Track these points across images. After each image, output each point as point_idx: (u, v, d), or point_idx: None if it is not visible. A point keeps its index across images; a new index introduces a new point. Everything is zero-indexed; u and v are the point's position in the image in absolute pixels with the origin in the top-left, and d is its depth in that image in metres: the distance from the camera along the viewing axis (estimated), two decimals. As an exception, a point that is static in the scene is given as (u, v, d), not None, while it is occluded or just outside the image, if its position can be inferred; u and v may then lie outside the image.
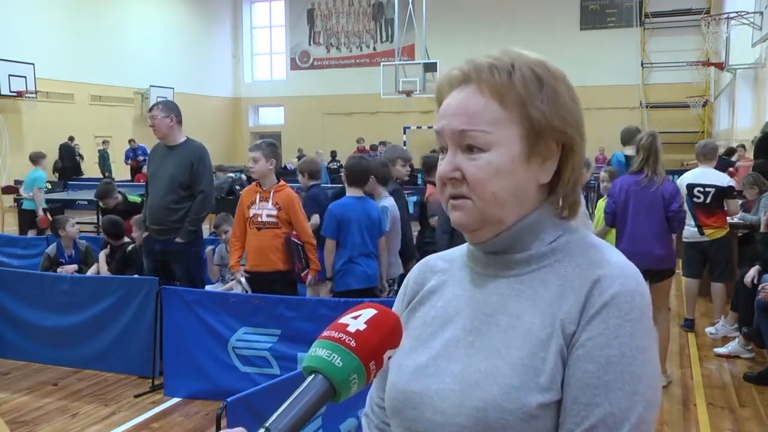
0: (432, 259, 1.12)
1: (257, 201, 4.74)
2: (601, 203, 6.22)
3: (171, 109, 5.09)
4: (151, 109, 5.14)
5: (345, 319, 0.82)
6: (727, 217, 6.22)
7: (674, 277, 4.89)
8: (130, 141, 19.25)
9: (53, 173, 18.10)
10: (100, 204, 7.70)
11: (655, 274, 4.47)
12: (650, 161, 4.55)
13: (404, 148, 5.80)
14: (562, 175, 0.97)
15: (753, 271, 5.25)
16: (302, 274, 4.77)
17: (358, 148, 18.91)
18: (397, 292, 5.22)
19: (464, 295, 1.01)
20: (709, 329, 6.02)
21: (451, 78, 0.99)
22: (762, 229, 5.49)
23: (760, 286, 4.90)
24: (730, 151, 11.32)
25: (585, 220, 4.49)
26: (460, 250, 1.08)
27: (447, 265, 1.08)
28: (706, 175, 5.95)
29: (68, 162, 18.21)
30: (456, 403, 0.91)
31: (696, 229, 5.94)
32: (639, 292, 0.90)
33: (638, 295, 0.89)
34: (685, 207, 5.96)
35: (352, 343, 0.78)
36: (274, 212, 4.69)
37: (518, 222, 0.96)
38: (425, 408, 0.94)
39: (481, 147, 0.93)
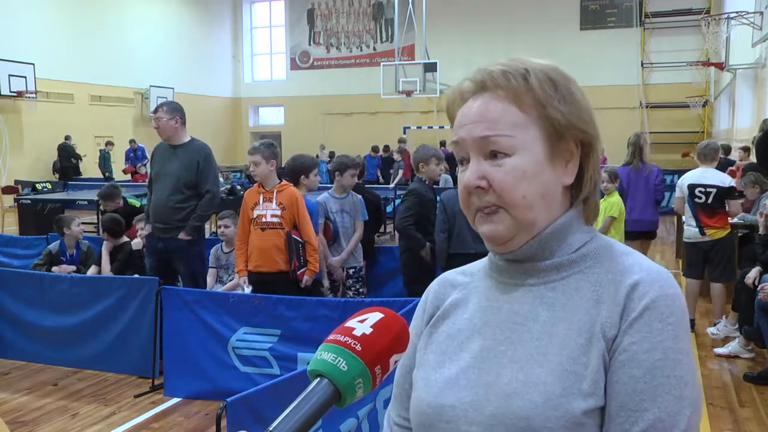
0: (451, 274, 1.10)
1: (261, 202, 4.74)
2: (601, 203, 6.22)
3: (176, 110, 5.11)
4: (155, 111, 5.15)
5: (351, 323, 0.81)
6: (730, 218, 6.22)
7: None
8: (131, 141, 19.24)
9: (53, 173, 18.12)
10: (101, 206, 7.71)
11: (647, 234, 6.54)
12: (636, 153, 6.38)
13: (434, 146, 5.62)
14: (584, 175, 0.97)
15: (754, 272, 5.25)
16: (298, 273, 4.76)
17: (397, 150, 17.34)
18: (358, 280, 5.33)
19: (491, 306, 0.99)
20: (711, 329, 6.02)
21: (462, 90, 0.98)
22: (761, 230, 5.49)
23: (759, 286, 4.90)
24: (728, 150, 11.34)
25: None
26: (480, 264, 1.06)
27: (467, 278, 1.06)
28: (707, 175, 5.95)
29: (66, 162, 18.21)
30: (494, 413, 0.89)
31: (697, 230, 5.94)
32: (678, 295, 0.89)
33: (677, 299, 0.89)
34: (687, 207, 5.99)
35: (358, 347, 0.77)
36: (279, 212, 4.69)
37: (548, 227, 0.95)
38: (460, 421, 0.92)
39: (506, 151, 0.92)
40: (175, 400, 4.63)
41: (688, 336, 0.89)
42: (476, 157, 0.94)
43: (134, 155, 18.70)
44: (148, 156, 17.89)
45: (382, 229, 12.62)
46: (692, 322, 6.15)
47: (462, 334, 1.00)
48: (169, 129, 5.07)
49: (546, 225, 0.95)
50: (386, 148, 18.20)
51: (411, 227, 5.07)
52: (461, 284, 1.06)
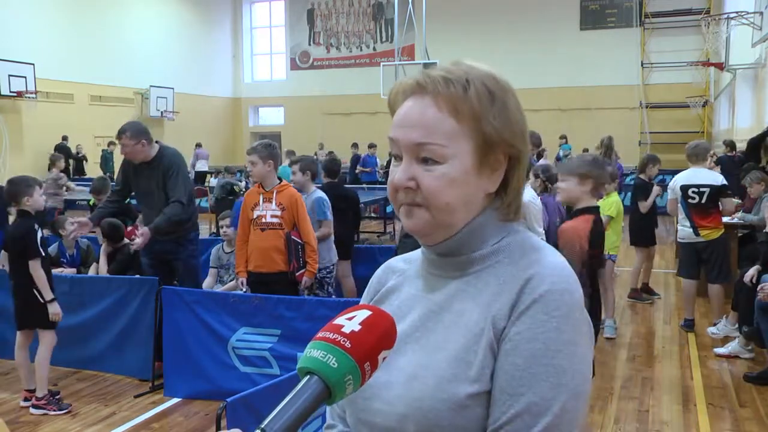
0: (394, 261, 1.19)
1: (261, 202, 4.74)
2: (600, 203, 6.23)
3: (139, 132, 4.98)
4: (119, 137, 5.02)
5: (340, 320, 0.82)
6: (725, 217, 6.24)
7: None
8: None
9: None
10: (93, 200, 7.80)
11: None
12: (607, 153, 8.08)
13: None
14: (508, 184, 1.03)
15: (752, 271, 5.25)
16: (297, 274, 4.77)
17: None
18: (323, 281, 5.23)
19: (417, 295, 1.07)
20: (711, 329, 6.03)
21: (404, 87, 1.03)
22: (767, 229, 5.48)
23: (759, 286, 4.89)
24: (732, 145, 11.34)
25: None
26: (419, 253, 1.12)
27: (406, 266, 1.14)
28: (699, 175, 5.98)
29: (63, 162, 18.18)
30: (399, 394, 0.97)
31: (691, 230, 5.95)
32: (568, 291, 0.94)
33: (567, 294, 0.94)
34: (680, 207, 6.01)
35: (347, 344, 0.78)
36: (278, 213, 4.69)
37: (466, 226, 1.01)
38: (374, 398, 1.00)
39: (437, 159, 0.97)
40: (175, 400, 4.63)
41: (578, 329, 0.93)
42: (408, 159, 0.99)
43: None
44: (203, 156, 17.96)
45: (382, 229, 12.64)
46: (692, 322, 6.16)
47: None
48: (137, 153, 4.99)
49: (463, 225, 1.01)
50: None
51: None
52: (399, 271, 1.15)
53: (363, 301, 1.16)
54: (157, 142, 5.18)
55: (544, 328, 0.91)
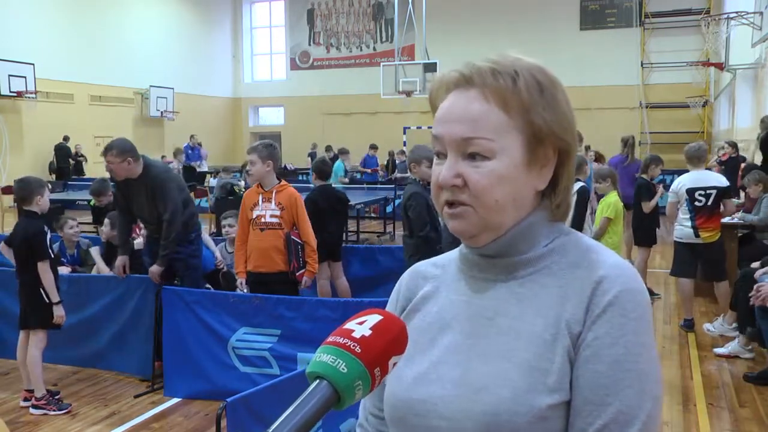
0: (422, 266, 1.11)
1: (260, 202, 4.74)
2: (601, 204, 6.24)
3: (125, 151, 4.92)
4: (105, 154, 4.99)
5: (350, 325, 0.81)
6: (725, 217, 6.24)
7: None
8: (191, 137, 19.08)
9: (50, 174, 18.08)
10: (92, 202, 7.79)
11: (627, 207, 7.26)
12: (628, 150, 8.78)
13: (429, 147, 5.41)
14: (558, 181, 0.98)
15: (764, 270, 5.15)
16: (297, 274, 4.77)
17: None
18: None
19: (460, 300, 1.00)
20: (707, 325, 6.03)
21: (448, 80, 0.97)
22: None
23: (756, 286, 4.87)
24: (735, 145, 11.36)
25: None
26: (452, 256, 1.07)
27: (439, 270, 1.07)
28: (703, 177, 5.99)
29: (63, 162, 18.20)
30: (463, 408, 0.90)
31: (692, 231, 5.95)
32: (639, 290, 0.91)
33: (639, 294, 0.91)
34: (684, 208, 6.00)
35: (357, 349, 0.77)
36: (278, 212, 4.69)
37: (515, 226, 0.96)
38: (430, 415, 0.93)
39: (485, 154, 0.92)
40: (175, 400, 4.63)
41: (650, 330, 0.91)
42: (454, 156, 0.93)
43: (192, 152, 18.47)
44: (203, 155, 18.12)
45: (382, 229, 12.64)
46: (691, 322, 6.16)
47: (432, 328, 1.00)
48: (122, 171, 4.95)
49: (513, 225, 0.95)
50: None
51: (433, 241, 4.90)
52: (433, 276, 1.07)
53: (390, 309, 1.09)
54: (143, 157, 5.11)
55: (623, 331, 0.88)
